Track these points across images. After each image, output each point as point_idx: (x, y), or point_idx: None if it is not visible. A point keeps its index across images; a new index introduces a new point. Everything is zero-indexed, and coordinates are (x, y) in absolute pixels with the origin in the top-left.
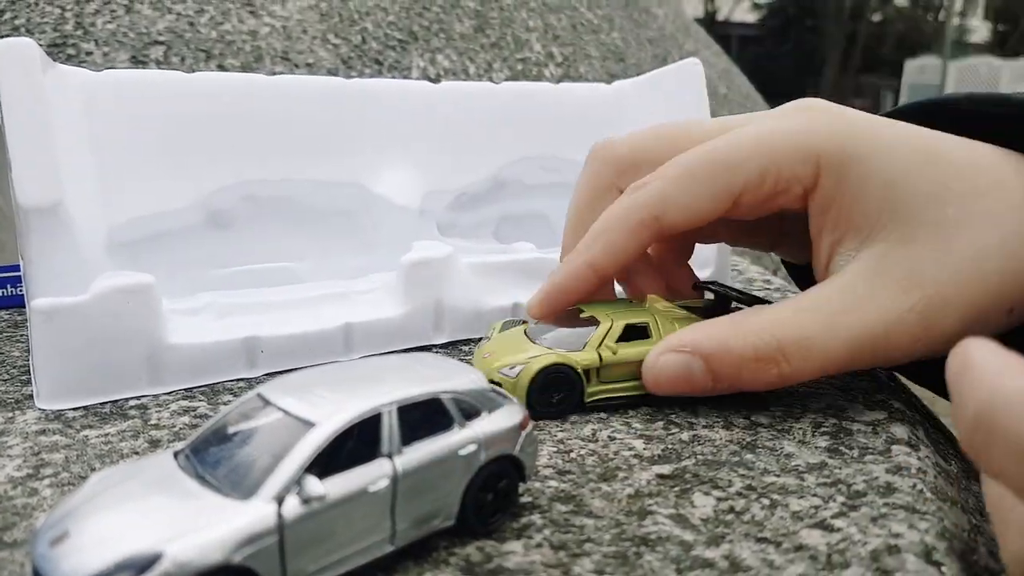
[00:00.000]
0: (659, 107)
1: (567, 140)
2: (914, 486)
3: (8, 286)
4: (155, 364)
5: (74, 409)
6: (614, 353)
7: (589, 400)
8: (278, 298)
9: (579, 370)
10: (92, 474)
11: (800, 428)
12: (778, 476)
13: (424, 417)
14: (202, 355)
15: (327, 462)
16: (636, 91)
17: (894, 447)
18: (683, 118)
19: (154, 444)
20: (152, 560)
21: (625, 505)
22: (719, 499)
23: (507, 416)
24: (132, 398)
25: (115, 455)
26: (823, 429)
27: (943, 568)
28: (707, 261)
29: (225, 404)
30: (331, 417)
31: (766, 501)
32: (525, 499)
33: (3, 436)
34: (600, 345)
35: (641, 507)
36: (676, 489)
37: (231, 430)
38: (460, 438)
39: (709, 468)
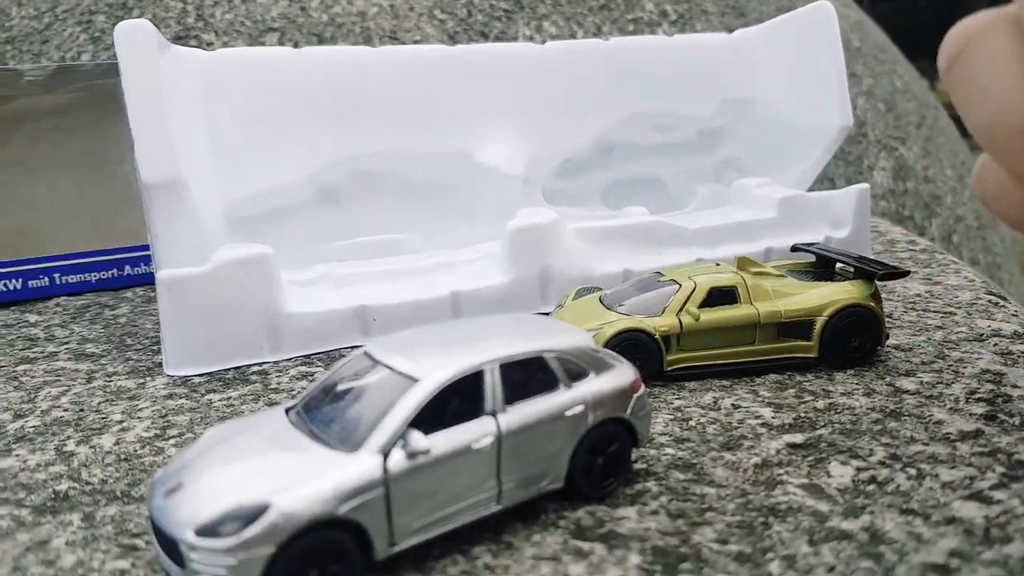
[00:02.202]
0: (788, 55)
1: (682, 95)
2: None
3: (143, 264)
4: (274, 332)
5: (200, 375)
6: (696, 319)
7: (669, 369)
8: (388, 268)
9: (657, 336)
10: (207, 429)
11: (952, 394)
12: (926, 445)
13: (528, 376)
14: (318, 323)
15: (431, 418)
16: (761, 39)
17: None
18: (811, 68)
19: (276, 406)
20: (260, 510)
21: (751, 475)
22: (859, 469)
23: (617, 378)
24: (254, 364)
25: (240, 416)
26: (979, 395)
27: None
28: (844, 221)
29: None
30: (434, 373)
31: (912, 471)
32: (639, 466)
33: (134, 400)
34: (681, 310)
35: (770, 477)
36: (810, 459)
37: (340, 387)
38: (566, 398)
39: (847, 437)
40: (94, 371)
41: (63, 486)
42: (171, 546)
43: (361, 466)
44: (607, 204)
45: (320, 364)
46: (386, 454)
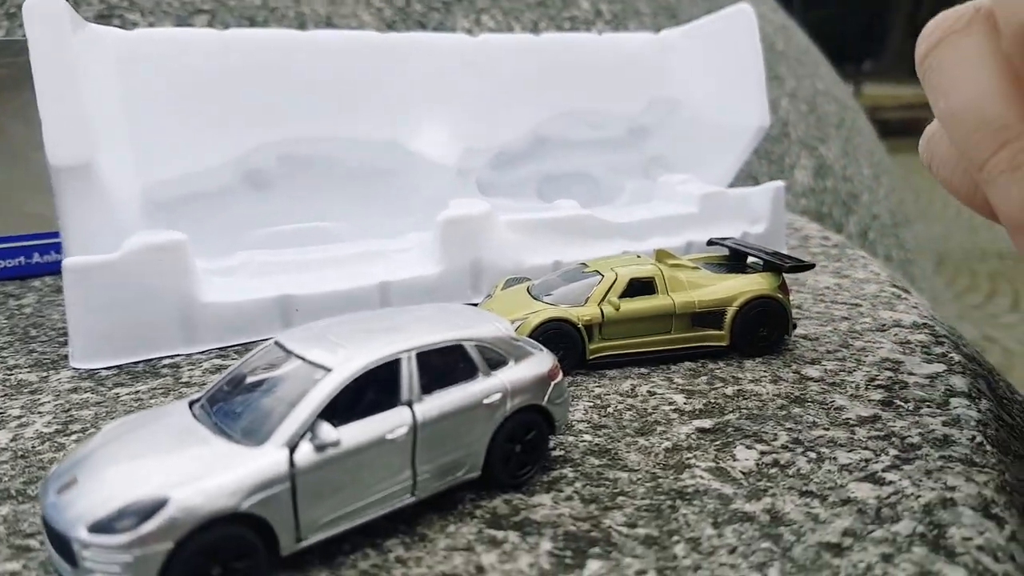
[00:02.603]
0: (711, 56)
1: (611, 92)
2: (973, 438)
3: (52, 252)
4: (188, 322)
5: (107, 368)
6: (616, 309)
7: (592, 357)
8: (314, 257)
9: (580, 325)
10: (106, 423)
11: (853, 381)
12: (827, 429)
13: (446, 365)
14: (236, 314)
15: (344, 409)
16: (686, 40)
17: (953, 399)
18: (733, 68)
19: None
20: (158, 505)
21: (662, 459)
22: (762, 452)
23: (535, 365)
24: (166, 357)
25: (137, 411)
26: (877, 382)
27: (1004, 523)
28: (760, 217)
29: None
30: (347, 362)
31: (813, 455)
32: (557, 453)
33: (36, 394)
34: (602, 300)
35: (679, 461)
36: (717, 443)
37: (248, 379)
38: (484, 387)
39: (753, 422)
40: None
41: None
42: (63, 544)
43: (266, 460)
44: (541, 196)
45: (236, 356)
46: (293, 447)
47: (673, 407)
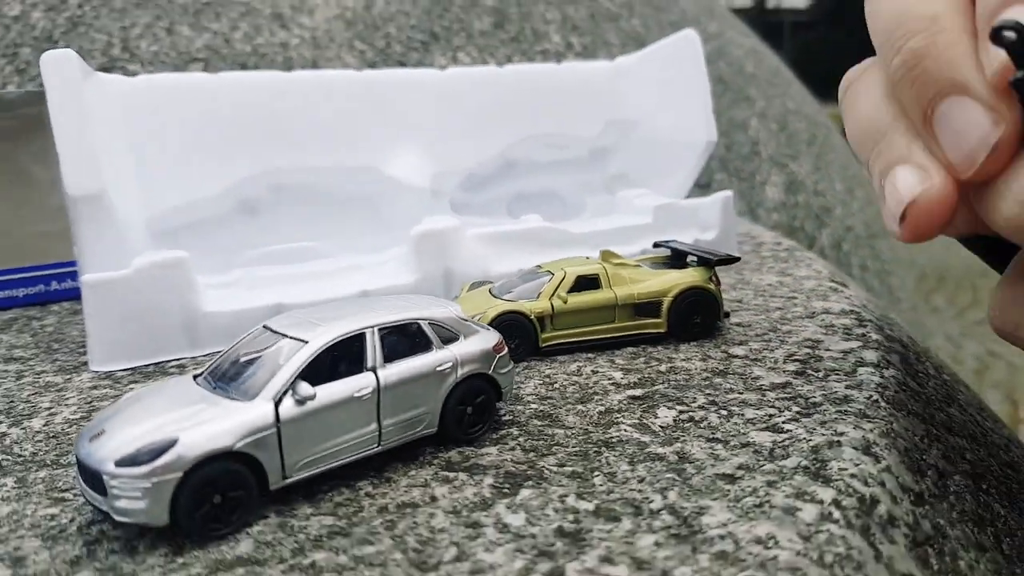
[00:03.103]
0: (661, 79)
1: (571, 117)
2: (869, 397)
3: (68, 280)
4: (192, 329)
5: (123, 370)
6: (564, 302)
7: (544, 345)
8: (302, 271)
9: (532, 317)
10: (125, 393)
11: (773, 357)
12: (741, 393)
13: (405, 339)
14: (234, 321)
15: (319, 373)
16: (638, 65)
17: (860, 368)
18: (681, 90)
19: None
20: (169, 444)
21: (595, 419)
22: (681, 411)
23: (482, 341)
24: (172, 360)
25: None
26: (795, 358)
27: (880, 458)
28: (711, 225)
29: None
30: (320, 336)
31: (724, 412)
32: (506, 418)
33: (62, 391)
34: (552, 295)
35: (609, 420)
36: (644, 406)
37: (241, 355)
38: (437, 357)
39: (679, 390)
40: (23, 370)
41: None
42: (96, 479)
43: (256, 411)
44: (511, 214)
45: None
46: (278, 401)
47: (611, 381)
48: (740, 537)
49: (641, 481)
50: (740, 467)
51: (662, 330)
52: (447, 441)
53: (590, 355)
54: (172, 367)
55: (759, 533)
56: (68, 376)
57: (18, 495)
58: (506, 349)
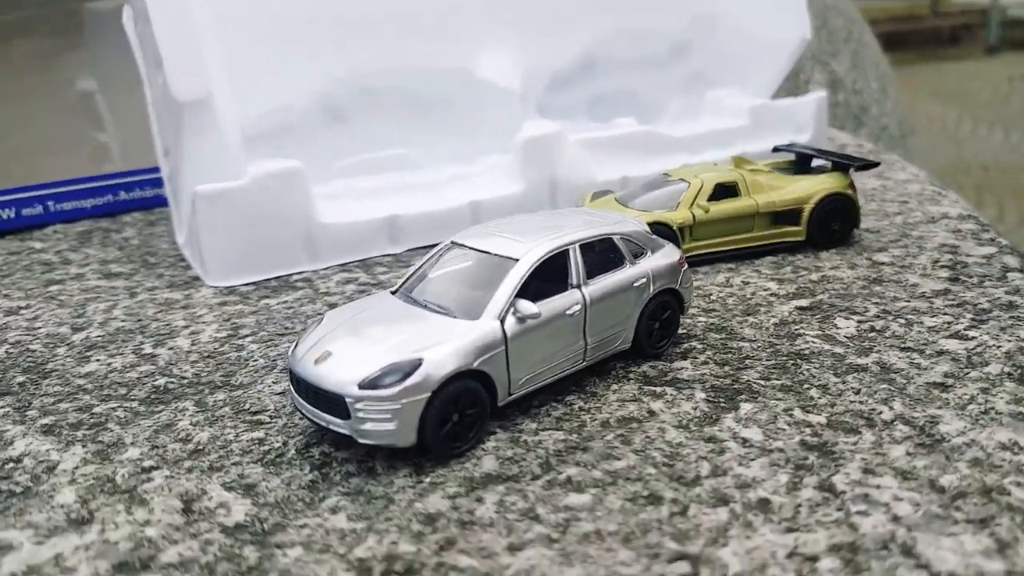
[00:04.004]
0: None
1: (656, 9)
2: None
3: (138, 189)
4: (311, 241)
5: (244, 284)
6: (706, 211)
7: (687, 255)
8: (408, 181)
9: (675, 227)
10: (325, 313)
11: (920, 264)
12: (908, 302)
13: (601, 255)
14: (350, 233)
15: (531, 292)
16: None
17: (1009, 274)
18: None
19: (333, 306)
20: (416, 365)
21: (773, 331)
22: (859, 322)
23: (667, 255)
24: (295, 273)
25: (301, 316)
26: (941, 263)
27: None
28: (805, 126)
29: (380, 275)
30: (530, 252)
31: (902, 321)
32: (681, 331)
33: (189, 308)
34: (692, 204)
35: (789, 331)
36: (817, 316)
37: (439, 271)
38: (632, 272)
39: (843, 300)
40: (132, 287)
41: (160, 381)
42: (333, 402)
43: (485, 329)
44: (592, 117)
45: (360, 270)
46: (502, 320)
47: (769, 292)
48: (984, 444)
49: (857, 393)
50: (947, 375)
51: (801, 238)
52: (636, 356)
53: (730, 265)
54: (297, 281)
55: (1001, 439)
56: (186, 292)
57: (208, 420)
58: (687, 264)
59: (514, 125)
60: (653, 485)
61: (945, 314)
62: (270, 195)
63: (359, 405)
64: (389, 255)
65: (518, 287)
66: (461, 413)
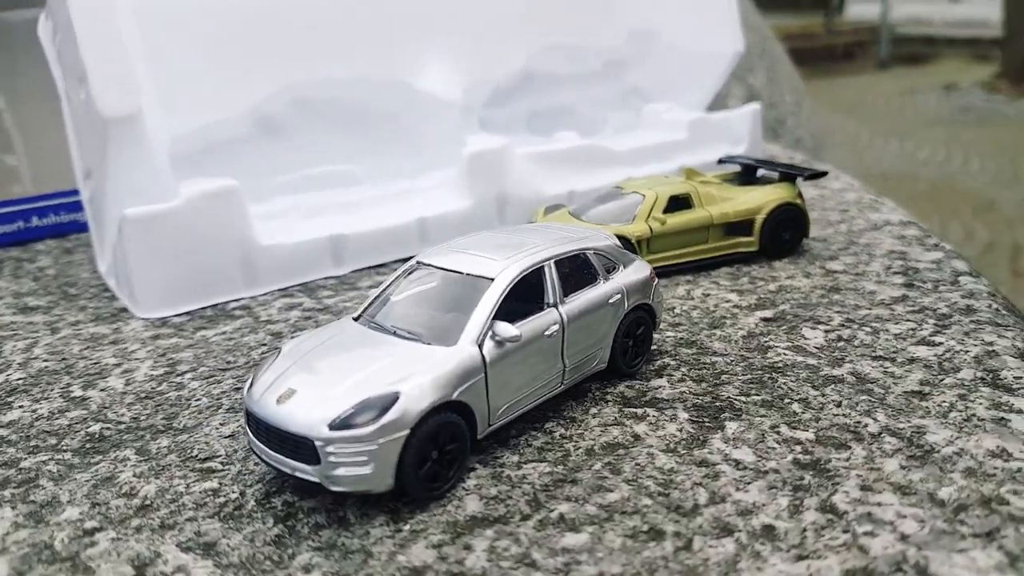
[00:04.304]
0: None
1: (594, 26)
2: (990, 306)
3: (53, 215)
4: (249, 265)
5: (177, 315)
6: (663, 223)
7: None
8: (352, 198)
9: (633, 241)
10: (283, 343)
11: (873, 271)
12: (870, 309)
13: (575, 271)
14: (292, 254)
15: (507, 313)
16: None
17: (961, 278)
18: None
19: (277, 336)
20: (392, 399)
21: (743, 344)
22: (826, 331)
23: (639, 269)
24: (231, 301)
25: (244, 348)
26: (894, 270)
27: None
28: (741, 138)
29: (326, 299)
30: (505, 270)
31: (868, 329)
32: (652, 348)
33: (119, 344)
34: (648, 217)
35: (759, 344)
36: (783, 327)
37: (405, 294)
38: (607, 289)
39: (805, 309)
40: (52, 322)
41: (94, 428)
42: (298, 446)
43: (463, 355)
44: (531, 132)
45: (303, 294)
46: (480, 345)
47: (731, 304)
48: (974, 453)
49: (839, 405)
50: (922, 383)
51: (754, 248)
52: (610, 376)
53: (688, 277)
54: (235, 309)
55: (988, 447)
56: (114, 325)
57: (153, 470)
58: (656, 279)
59: (457, 139)
60: (651, 518)
61: (908, 320)
62: (204, 217)
63: (330, 448)
64: (333, 277)
65: (496, 308)
66: (440, 450)
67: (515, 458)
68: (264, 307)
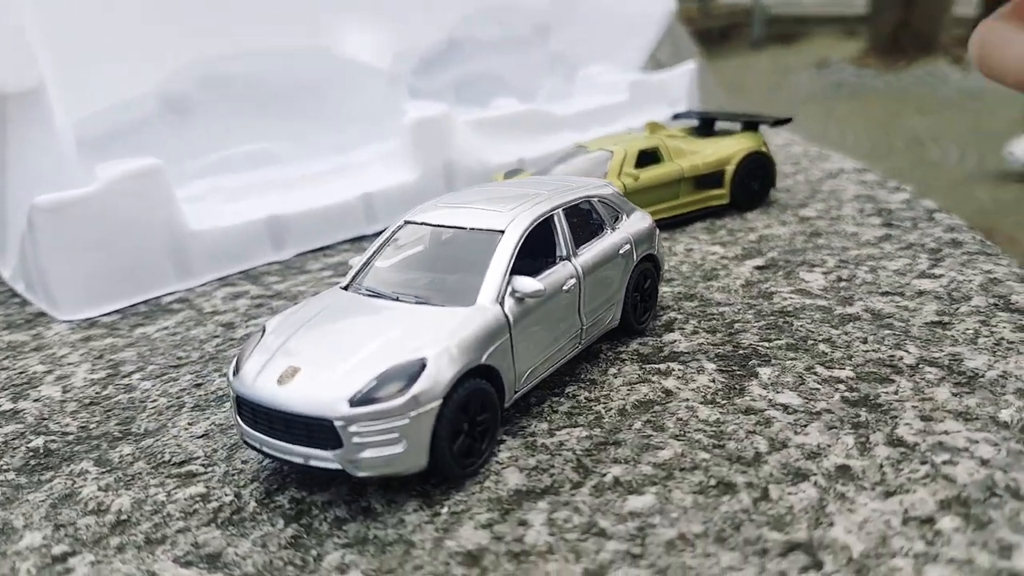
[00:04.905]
0: None
1: None
2: (973, 238)
3: None
4: (181, 254)
5: (106, 315)
6: (636, 179)
7: None
8: (283, 177)
9: None
10: (266, 322)
11: (847, 215)
12: (858, 249)
13: (582, 221)
14: (227, 240)
15: (521, 267)
16: None
17: (936, 215)
18: None
19: (228, 327)
20: (420, 366)
21: (744, 293)
22: (824, 273)
23: (642, 218)
24: (166, 294)
25: (193, 342)
26: (867, 212)
27: None
28: (679, 98)
29: (275, 285)
30: (514, 221)
31: (865, 268)
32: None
33: (45, 350)
34: (620, 173)
35: (760, 291)
36: (780, 273)
37: (398, 258)
38: (616, 239)
39: (795, 255)
40: None
41: (36, 442)
42: (311, 430)
43: (487, 315)
44: (460, 101)
45: (246, 282)
46: (501, 303)
47: (718, 256)
48: (1018, 374)
49: (865, 342)
50: (939, 313)
51: (725, 201)
52: (620, 334)
53: (664, 234)
54: (172, 302)
55: None
56: (32, 331)
57: (121, 481)
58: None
59: (387, 109)
60: (716, 471)
61: (901, 257)
62: (127, 201)
63: (354, 428)
64: (276, 263)
65: (511, 263)
66: (471, 421)
67: (544, 425)
68: (205, 298)
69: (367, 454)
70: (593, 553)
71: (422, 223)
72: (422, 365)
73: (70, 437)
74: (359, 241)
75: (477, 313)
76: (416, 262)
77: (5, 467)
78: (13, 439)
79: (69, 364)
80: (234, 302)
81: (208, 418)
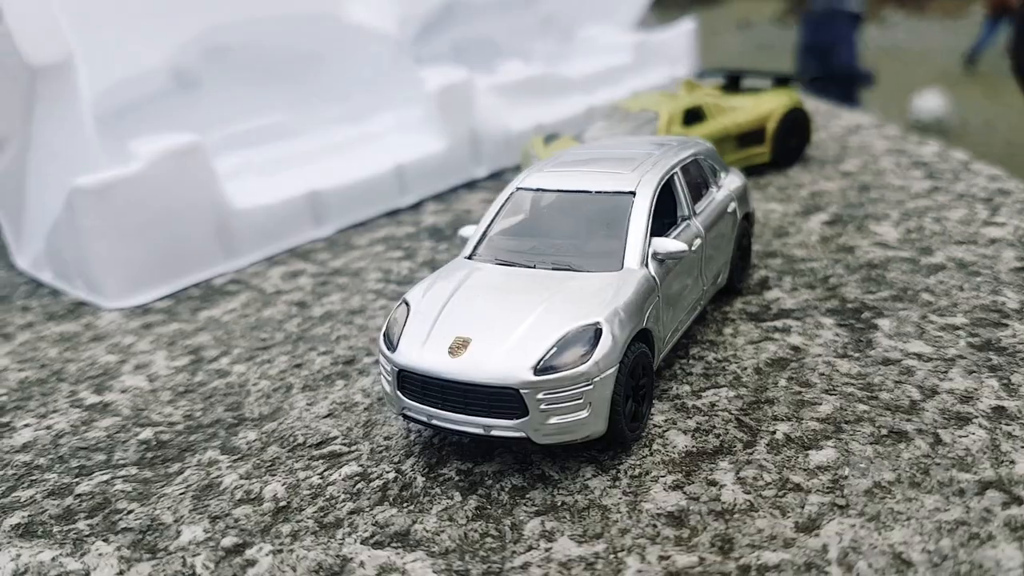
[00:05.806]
0: None
1: None
2: (1017, 185)
3: None
4: (226, 234)
5: (157, 300)
6: None
7: None
8: (308, 149)
9: None
10: (406, 296)
11: (888, 168)
12: (913, 201)
13: (693, 180)
14: (270, 218)
15: (655, 228)
16: None
17: (972, 166)
18: None
19: (302, 306)
20: (596, 332)
21: (820, 247)
22: (894, 225)
23: (737, 176)
24: (215, 277)
25: (272, 323)
26: (904, 164)
27: None
28: (679, 58)
29: (330, 263)
30: (642, 182)
31: (929, 218)
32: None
33: (107, 340)
34: (668, 132)
35: (839, 244)
36: (850, 227)
37: (520, 225)
38: (723, 197)
39: (855, 208)
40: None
41: (145, 435)
42: (493, 400)
43: (639, 278)
44: (460, 65)
45: (297, 261)
46: (646, 265)
47: (781, 213)
48: None
49: (962, 289)
50: (1019, 259)
51: (767, 159)
52: (719, 295)
53: None
54: (225, 284)
55: None
56: (82, 321)
57: (262, 467)
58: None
59: (396, 76)
60: (883, 421)
61: (957, 207)
62: (172, 181)
63: (540, 395)
64: (319, 240)
65: (650, 223)
66: (635, 385)
67: (686, 387)
68: (259, 278)
69: (554, 420)
70: (798, 507)
71: (541, 188)
72: (596, 330)
73: (179, 427)
74: (395, 215)
75: (630, 276)
76: (541, 228)
77: (121, 462)
78: (117, 432)
79: (142, 352)
80: (295, 280)
81: (325, 397)
